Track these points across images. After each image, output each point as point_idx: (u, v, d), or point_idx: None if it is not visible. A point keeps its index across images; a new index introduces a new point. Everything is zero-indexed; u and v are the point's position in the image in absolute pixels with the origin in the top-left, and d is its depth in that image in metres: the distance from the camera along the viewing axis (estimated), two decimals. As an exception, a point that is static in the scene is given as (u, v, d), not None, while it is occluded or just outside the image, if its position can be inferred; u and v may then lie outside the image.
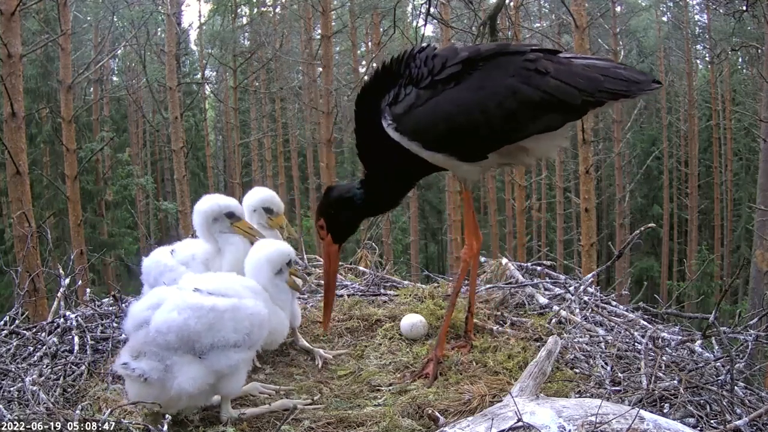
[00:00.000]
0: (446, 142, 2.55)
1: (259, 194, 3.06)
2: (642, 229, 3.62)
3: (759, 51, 13.80)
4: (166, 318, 2.22)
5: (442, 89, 2.52)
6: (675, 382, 2.40)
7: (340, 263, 4.53)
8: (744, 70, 24.31)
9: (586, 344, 2.90)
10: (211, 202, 2.86)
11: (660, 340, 2.87)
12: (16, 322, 3.27)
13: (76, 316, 3.18)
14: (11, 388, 2.50)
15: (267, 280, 2.61)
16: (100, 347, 3.02)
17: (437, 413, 2.30)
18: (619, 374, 2.59)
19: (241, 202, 3.00)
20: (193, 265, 2.81)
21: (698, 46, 24.93)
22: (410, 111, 2.53)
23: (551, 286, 3.62)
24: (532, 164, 2.90)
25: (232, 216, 2.84)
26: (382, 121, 2.58)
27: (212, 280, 2.45)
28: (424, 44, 2.74)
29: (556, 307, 3.28)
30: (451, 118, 2.50)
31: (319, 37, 16.16)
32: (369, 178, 2.78)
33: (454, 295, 2.97)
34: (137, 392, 2.24)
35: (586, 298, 3.36)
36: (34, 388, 2.43)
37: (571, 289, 3.46)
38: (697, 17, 24.34)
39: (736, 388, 2.41)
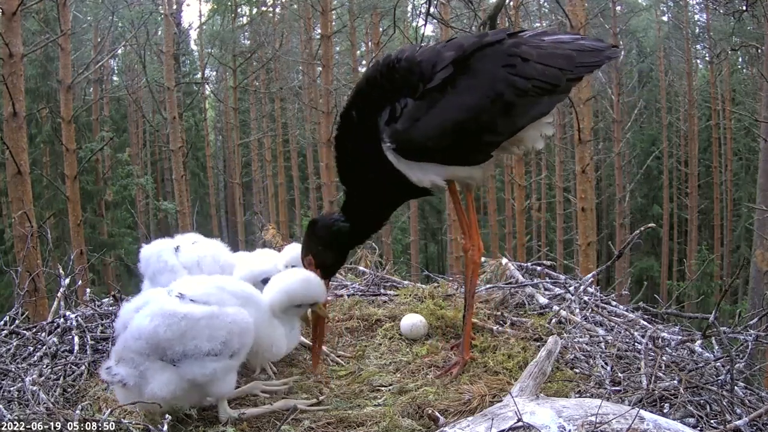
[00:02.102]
0: (451, 152, 2.50)
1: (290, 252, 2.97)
2: (642, 229, 3.61)
3: (759, 51, 13.79)
4: (138, 324, 2.21)
5: (440, 97, 2.44)
6: (675, 382, 2.40)
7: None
8: (744, 70, 24.31)
9: (586, 344, 2.89)
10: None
11: (660, 340, 2.87)
12: (16, 322, 3.27)
13: (76, 316, 3.18)
14: (11, 388, 2.50)
15: (282, 310, 2.53)
16: (100, 347, 3.02)
17: (437, 413, 2.29)
18: (619, 374, 2.59)
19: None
20: (197, 272, 2.69)
21: (698, 46, 24.93)
22: (409, 130, 2.43)
23: (551, 286, 3.61)
24: (520, 155, 2.91)
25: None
26: (382, 145, 2.48)
27: (201, 284, 2.38)
28: (390, 53, 2.62)
29: (556, 307, 3.28)
30: (455, 126, 2.44)
31: (318, 37, 16.16)
32: (352, 206, 2.67)
33: (471, 297, 2.89)
34: (122, 396, 2.26)
35: (586, 298, 3.36)
36: (34, 388, 2.42)
37: (571, 289, 3.45)
38: (696, 17, 24.33)
39: (736, 388, 2.41)
